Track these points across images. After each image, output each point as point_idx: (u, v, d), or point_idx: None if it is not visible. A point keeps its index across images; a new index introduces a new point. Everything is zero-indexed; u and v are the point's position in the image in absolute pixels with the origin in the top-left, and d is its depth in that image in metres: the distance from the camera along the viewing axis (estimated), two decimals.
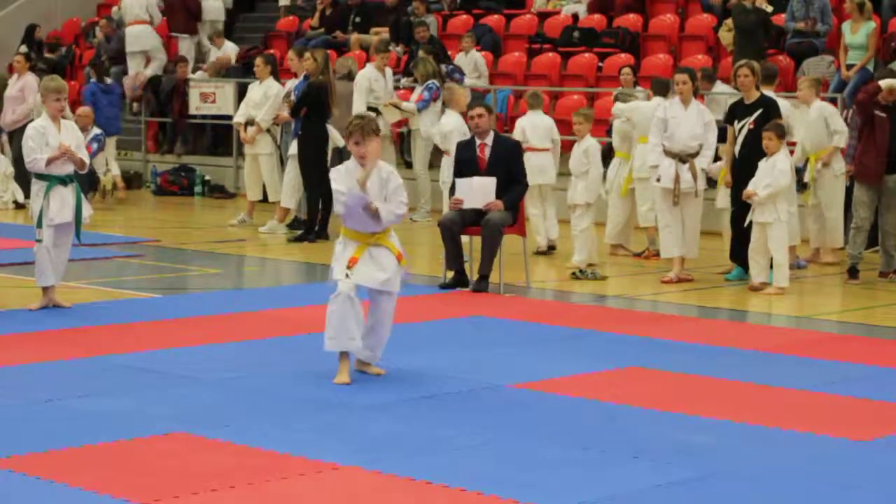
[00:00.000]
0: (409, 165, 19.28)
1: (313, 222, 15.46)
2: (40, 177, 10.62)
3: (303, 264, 14.03)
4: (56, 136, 10.61)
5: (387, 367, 8.62)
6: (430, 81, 17.21)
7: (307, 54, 15.95)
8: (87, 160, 10.87)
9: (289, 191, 15.90)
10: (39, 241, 10.60)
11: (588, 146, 13.53)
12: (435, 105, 17.23)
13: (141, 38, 22.55)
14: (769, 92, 13.38)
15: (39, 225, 10.57)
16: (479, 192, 11.98)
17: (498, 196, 11.96)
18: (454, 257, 12.11)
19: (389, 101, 17.23)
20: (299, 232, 15.70)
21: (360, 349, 8.36)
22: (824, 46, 17.66)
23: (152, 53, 22.78)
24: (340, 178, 8.36)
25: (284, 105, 16.09)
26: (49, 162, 10.52)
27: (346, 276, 8.20)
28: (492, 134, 12.32)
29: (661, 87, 14.16)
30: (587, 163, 13.50)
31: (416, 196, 17.46)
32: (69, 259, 10.96)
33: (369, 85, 17.12)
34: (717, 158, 13.07)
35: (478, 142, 12.29)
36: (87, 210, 10.90)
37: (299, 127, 15.48)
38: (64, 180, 10.64)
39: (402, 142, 19.36)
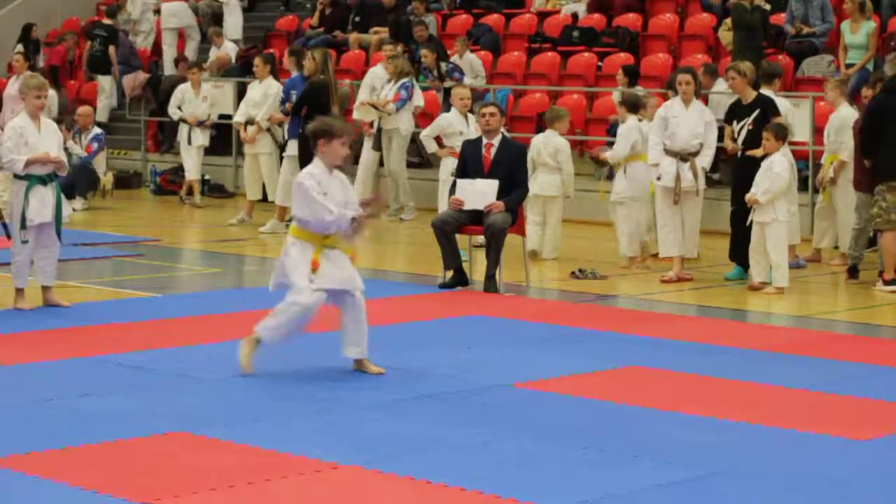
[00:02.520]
0: (408, 164, 19.26)
1: None
2: (19, 176, 10.52)
3: None
4: (36, 134, 10.49)
5: (387, 366, 8.63)
6: (404, 80, 17.17)
7: (308, 53, 15.96)
8: (65, 161, 10.77)
9: (285, 189, 15.89)
10: (25, 241, 10.52)
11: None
12: (410, 104, 17.21)
13: (177, 15, 22.63)
14: (769, 91, 13.38)
15: (24, 226, 10.48)
16: (481, 193, 11.97)
17: (498, 198, 11.95)
18: (451, 257, 12.10)
19: (366, 100, 17.21)
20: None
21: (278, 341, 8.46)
22: (824, 46, 17.66)
23: (187, 31, 22.79)
24: (321, 194, 8.34)
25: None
26: (29, 164, 10.44)
27: (311, 280, 8.23)
28: (500, 135, 12.32)
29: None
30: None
31: (397, 195, 17.44)
32: (69, 259, 10.94)
33: (372, 83, 17.15)
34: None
35: (484, 141, 12.28)
36: (66, 209, 10.80)
37: (299, 126, 15.46)
38: (44, 180, 10.53)
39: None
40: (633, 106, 14.03)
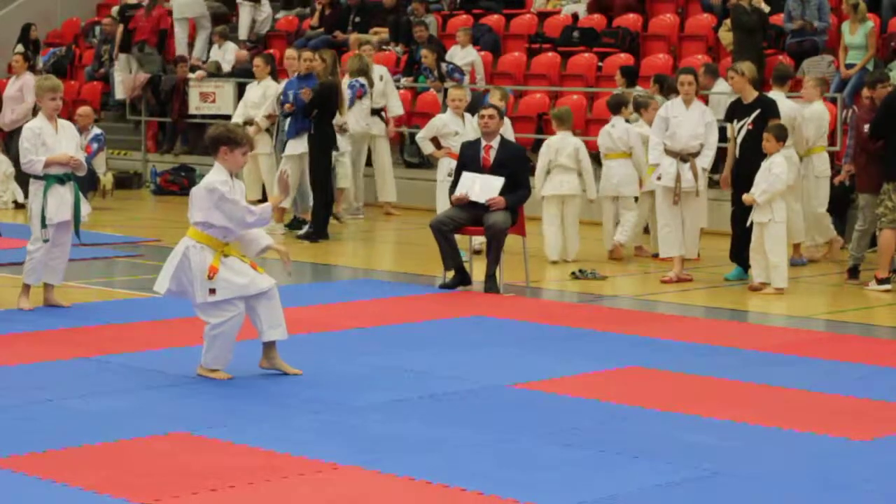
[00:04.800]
0: (408, 165, 19.28)
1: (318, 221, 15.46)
2: (38, 176, 10.64)
3: (302, 264, 14.02)
4: (53, 135, 10.62)
5: (387, 366, 8.64)
6: (353, 80, 17.16)
7: (307, 54, 15.94)
8: (83, 161, 10.87)
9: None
10: (46, 240, 10.62)
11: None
12: (360, 103, 17.18)
13: (189, 5, 22.63)
14: (776, 93, 13.39)
15: (44, 225, 10.58)
16: (486, 186, 11.95)
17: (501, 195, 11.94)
18: (450, 257, 12.10)
19: None
20: (299, 232, 15.67)
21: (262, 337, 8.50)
22: (824, 46, 17.66)
23: (199, 21, 22.77)
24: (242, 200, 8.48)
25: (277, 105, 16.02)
26: (47, 165, 10.52)
27: (212, 290, 8.24)
28: (499, 137, 12.31)
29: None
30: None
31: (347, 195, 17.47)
32: (69, 259, 10.95)
33: None
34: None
35: (483, 143, 12.27)
36: (85, 209, 10.92)
37: (303, 126, 15.41)
38: (62, 179, 10.66)
39: (403, 141, 19.38)
40: (614, 107, 14.14)
